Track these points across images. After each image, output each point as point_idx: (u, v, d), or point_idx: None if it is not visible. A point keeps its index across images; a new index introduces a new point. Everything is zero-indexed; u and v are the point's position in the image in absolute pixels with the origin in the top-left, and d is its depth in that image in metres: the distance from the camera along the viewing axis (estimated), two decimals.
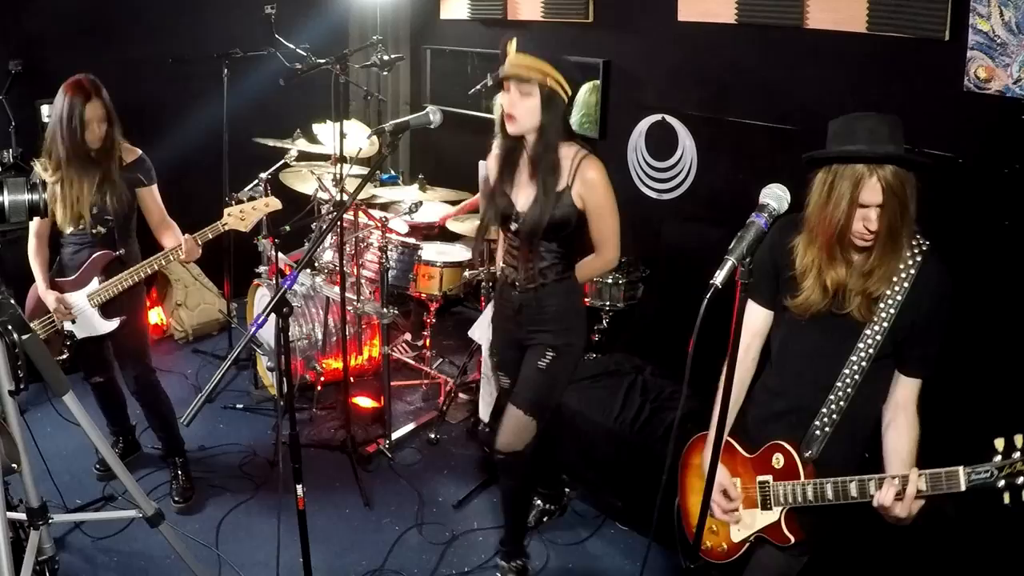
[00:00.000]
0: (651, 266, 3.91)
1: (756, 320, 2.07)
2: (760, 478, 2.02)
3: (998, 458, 1.61)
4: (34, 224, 2.98)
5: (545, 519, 3.21)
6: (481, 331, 3.15)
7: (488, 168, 2.68)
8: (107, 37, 4.36)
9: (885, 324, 1.85)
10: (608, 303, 3.82)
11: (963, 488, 1.65)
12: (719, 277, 1.61)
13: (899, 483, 1.75)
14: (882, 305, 1.85)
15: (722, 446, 2.05)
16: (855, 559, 2.45)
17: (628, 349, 3.83)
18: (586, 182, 2.44)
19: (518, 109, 2.38)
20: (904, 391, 1.92)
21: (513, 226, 2.55)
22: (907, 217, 1.79)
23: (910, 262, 1.84)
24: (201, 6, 4.71)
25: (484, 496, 3.39)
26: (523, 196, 2.53)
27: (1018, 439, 1.60)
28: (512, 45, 2.41)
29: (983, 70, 2.79)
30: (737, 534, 2.08)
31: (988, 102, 2.80)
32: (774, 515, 1.99)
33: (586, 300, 3.83)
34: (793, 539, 1.96)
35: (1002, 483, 1.60)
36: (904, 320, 1.84)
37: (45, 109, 4.10)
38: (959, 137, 2.85)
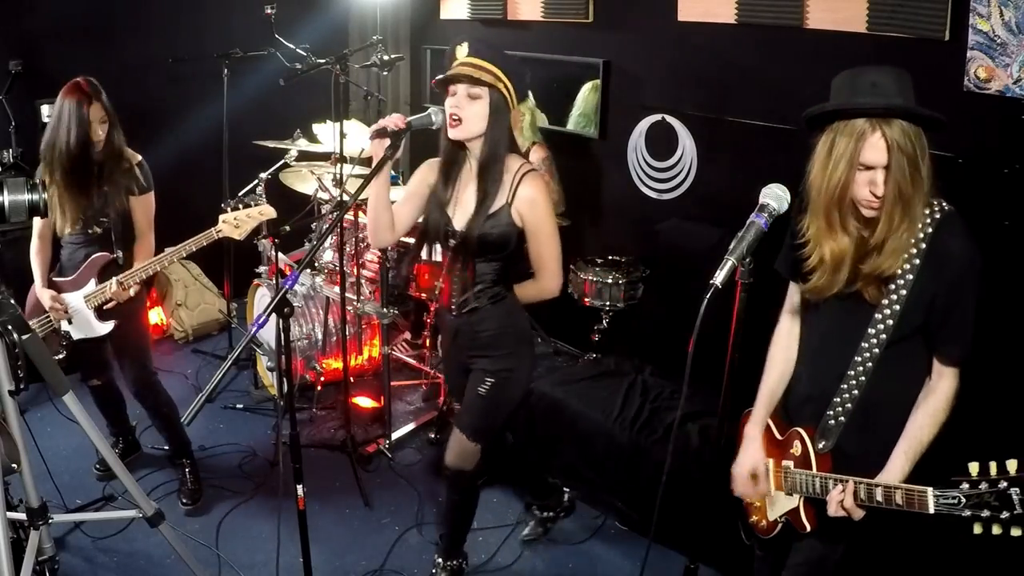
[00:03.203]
0: (651, 266, 3.91)
1: (796, 296, 1.98)
2: (784, 463, 1.97)
3: (965, 486, 1.51)
4: (37, 225, 2.98)
5: (549, 526, 3.15)
6: None
7: (427, 178, 2.47)
8: (107, 37, 4.36)
9: (896, 306, 1.70)
10: (608, 303, 3.81)
11: (931, 511, 1.55)
12: (719, 277, 1.61)
13: (839, 491, 1.72)
14: (893, 286, 1.69)
15: (763, 429, 2.03)
16: (890, 556, 2.43)
17: (628, 349, 3.83)
18: (525, 199, 2.28)
19: (465, 112, 2.23)
20: (936, 376, 1.77)
21: (451, 243, 2.40)
22: (919, 180, 1.61)
23: (921, 235, 1.66)
24: (201, 6, 4.71)
25: (484, 496, 3.36)
26: (461, 212, 2.37)
27: (992, 467, 1.49)
28: (463, 48, 2.29)
29: (983, 70, 2.79)
30: (772, 513, 2.05)
31: (988, 102, 2.80)
32: (794, 501, 1.94)
33: (586, 300, 3.83)
34: (809, 527, 1.91)
35: (967, 513, 1.50)
36: (920, 298, 1.68)
37: (45, 109, 4.10)
38: (959, 137, 2.84)
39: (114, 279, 2.90)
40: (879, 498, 1.66)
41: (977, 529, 1.50)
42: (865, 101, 1.61)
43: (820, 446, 1.86)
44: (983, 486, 1.48)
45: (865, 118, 1.60)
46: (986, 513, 1.47)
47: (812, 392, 1.93)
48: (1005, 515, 1.46)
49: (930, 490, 1.55)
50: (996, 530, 1.48)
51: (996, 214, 2.80)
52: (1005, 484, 1.46)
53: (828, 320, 1.87)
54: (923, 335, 1.76)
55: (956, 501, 1.51)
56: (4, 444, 2.10)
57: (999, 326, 2.79)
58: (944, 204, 1.71)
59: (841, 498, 1.71)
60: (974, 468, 1.51)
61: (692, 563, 2.17)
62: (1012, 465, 1.47)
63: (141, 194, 3.01)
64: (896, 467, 1.74)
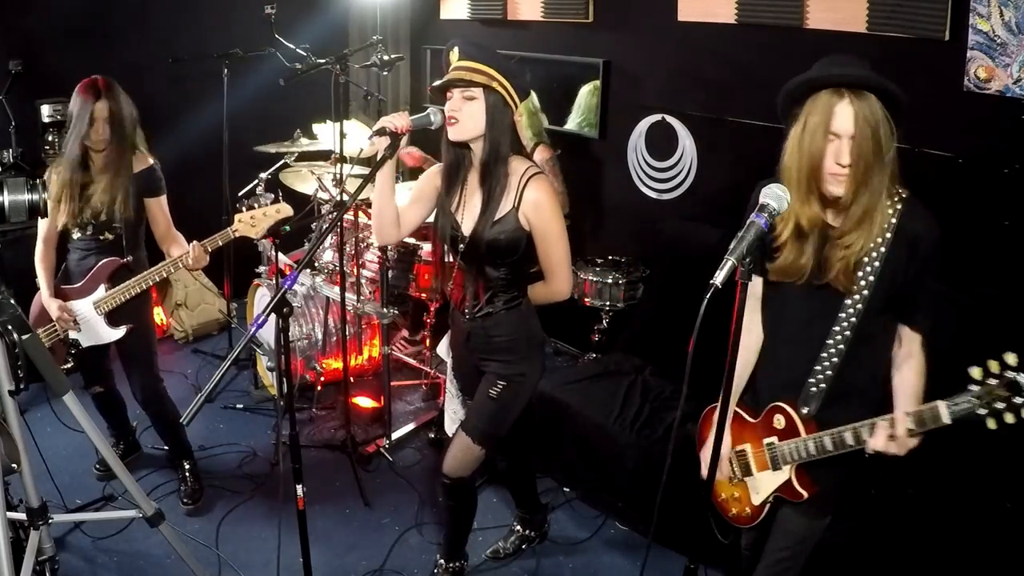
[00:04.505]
0: (651, 266, 3.91)
1: (756, 286, 2.06)
2: (766, 441, 2.05)
3: (975, 387, 1.63)
4: (42, 229, 2.97)
5: (524, 546, 3.06)
6: (446, 348, 3.06)
7: (435, 181, 2.46)
8: (107, 37, 4.36)
9: (865, 292, 1.83)
10: (608, 303, 3.82)
11: (947, 421, 1.67)
12: (719, 277, 1.61)
13: (888, 426, 1.77)
14: (860, 273, 1.82)
15: (731, 416, 2.11)
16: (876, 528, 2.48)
17: (628, 349, 3.82)
18: (532, 203, 2.26)
19: (462, 112, 2.23)
20: (909, 342, 1.92)
21: (460, 248, 2.38)
22: (881, 159, 1.74)
23: (886, 225, 1.80)
24: (201, 6, 4.71)
25: (484, 496, 3.38)
26: (469, 216, 2.36)
27: (993, 364, 1.61)
28: (455, 53, 2.28)
29: (983, 70, 2.80)
30: (756, 497, 2.12)
31: (988, 102, 2.80)
32: (785, 474, 2.02)
33: (586, 300, 3.83)
34: (806, 494, 1.98)
35: (983, 411, 1.61)
36: (891, 280, 1.82)
37: (45, 109, 4.11)
38: (959, 137, 2.85)
39: (193, 242, 2.86)
40: (899, 430, 1.75)
41: (991, 424, 1.60)
42: (839, 71, 1.76)
43: (804, 412, 1.97)
44: (991, 381, 1.60)
45: (836, 88, 1.74)
46: (1000, 405, 1.59)
47: (787, 378, 2.01)
48: (1018, 400, 1.57)
49: (939, 402, 1.68)
50: (1009, 419, 1.59)
51: (996, 214, 2.80)
52: (1012, 373, 1.59)
53: (797, 310, 1.96)
54: (892, 310, 1.88)
55: (969, 404, 1.63)
56: (4, 444, 2.10)
57: (999, 325, 2.79)
58: (903, 191, 1.83)
59: (887, 433, 1.76)
60: (976, 371, 1.63)
61: (692, 563, 2.17)
62: (1011, 357, 1.60)
63: (157, 195, 3.01)
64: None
